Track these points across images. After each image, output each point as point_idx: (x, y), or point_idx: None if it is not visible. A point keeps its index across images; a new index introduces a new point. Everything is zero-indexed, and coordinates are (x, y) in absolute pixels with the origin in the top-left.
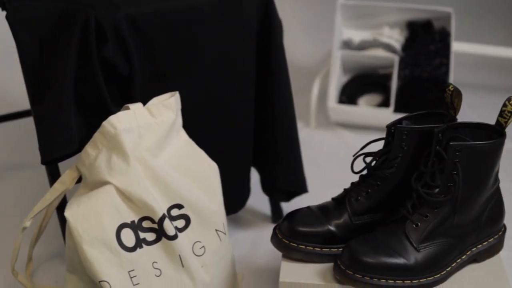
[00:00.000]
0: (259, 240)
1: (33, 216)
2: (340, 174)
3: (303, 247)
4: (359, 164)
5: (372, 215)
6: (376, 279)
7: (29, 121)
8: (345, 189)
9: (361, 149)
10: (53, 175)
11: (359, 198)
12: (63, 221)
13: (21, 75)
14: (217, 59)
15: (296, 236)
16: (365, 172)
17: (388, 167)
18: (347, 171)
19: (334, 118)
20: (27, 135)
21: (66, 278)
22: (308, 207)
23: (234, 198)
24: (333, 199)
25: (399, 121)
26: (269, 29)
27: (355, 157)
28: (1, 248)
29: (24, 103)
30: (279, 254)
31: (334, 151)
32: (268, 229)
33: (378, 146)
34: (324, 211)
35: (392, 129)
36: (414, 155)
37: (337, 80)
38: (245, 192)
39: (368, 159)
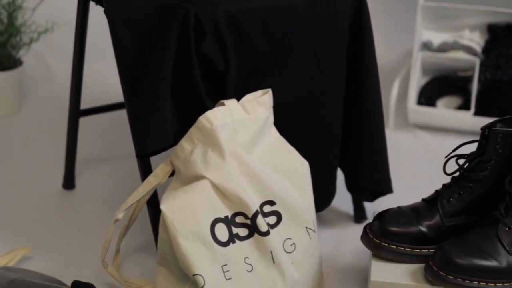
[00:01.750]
0: (341, 240)
1: (125, 209)
2: (419, 176)
3: (394, 247)
4: (449, 166)
5: (463, 217)
6: (468, 281)
7: (109, 115)
8: (436, 191)
9: (453, 150)
10: (145, 169)
11: (451, 199)
12: (154, 214)
13: (100, 70)
14: (309, 58)
15: (387, 236)
16: (457, 174)
17: (482, 169)
18: (426, 173)
19: (413, 120)
20: (106, 128)
21: (156, 270)
22: (399, 207)
23: (321, 196)
24: (423, 200)
25: (493, 124)
26: (361, 29)
27: (448, 158)
28: (85, 240)
29: (103, 97)
30: (363, 254)
31: (413, 152)
32: (350, 229)
33: (467, 148)
34: (415, 211)
35: (486, 132)
36: (508, 158)
37: (416, 81)
38: (332, 190)
39: (461, 161)
